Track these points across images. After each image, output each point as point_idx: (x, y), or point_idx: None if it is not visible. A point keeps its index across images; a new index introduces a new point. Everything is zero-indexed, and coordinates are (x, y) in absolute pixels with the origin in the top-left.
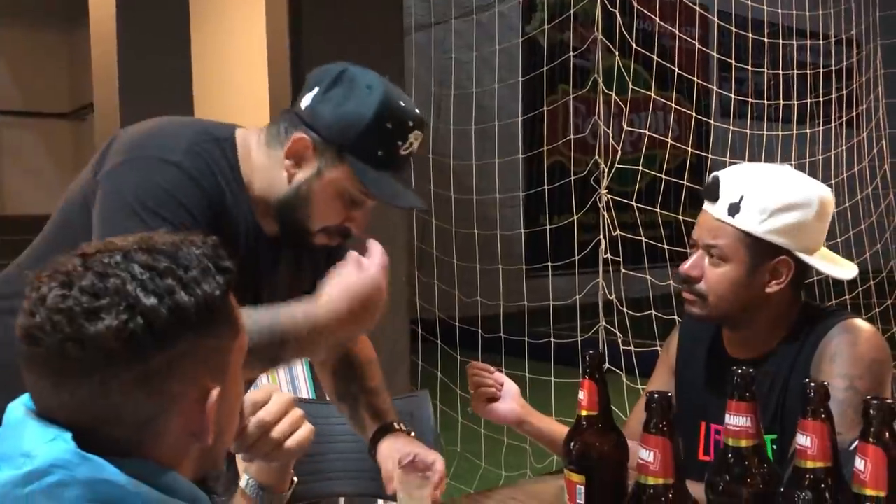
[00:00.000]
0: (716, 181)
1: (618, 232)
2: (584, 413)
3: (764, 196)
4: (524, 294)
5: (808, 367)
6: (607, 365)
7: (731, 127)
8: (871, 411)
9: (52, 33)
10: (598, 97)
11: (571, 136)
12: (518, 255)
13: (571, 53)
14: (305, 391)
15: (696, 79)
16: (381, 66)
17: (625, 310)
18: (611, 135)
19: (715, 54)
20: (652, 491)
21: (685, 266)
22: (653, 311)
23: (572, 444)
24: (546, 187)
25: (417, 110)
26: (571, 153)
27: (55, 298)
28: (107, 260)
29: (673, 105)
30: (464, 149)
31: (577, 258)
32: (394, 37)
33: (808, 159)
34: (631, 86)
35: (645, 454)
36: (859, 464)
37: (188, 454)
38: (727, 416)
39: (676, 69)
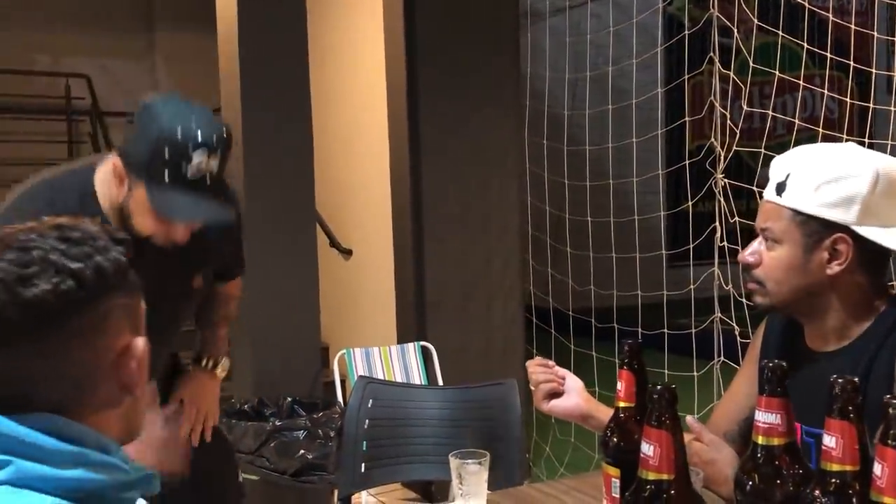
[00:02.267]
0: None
1: (735, 219)
2: (621, 405)
3: (810, 170)
4: (638, 284)
5: (893, 359)
6: (722, 358)
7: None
8: (891, 411)
9: (205, 36)
10: (714, 76)
11: (716, 118)
12: (649, 244)
13: (714, 30)
14: (418, 376)
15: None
16: (494, 56)
17: (743, 300)
18: (728, 116)
19: (876, 33)
20: (652, 487)
21: (744, 252)
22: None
23: (608, 436)
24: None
25: (205, 132)
26: (724, 135)
27: None
28: (23, 237)
29: (823, 89)
30: (602, 134)
31: (691, 247)
32: (508, 26)
33: None
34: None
35: (646, 448)
36: (877, 469)
37: (119, 409)
38: (757, 413)
39: (827, 47)
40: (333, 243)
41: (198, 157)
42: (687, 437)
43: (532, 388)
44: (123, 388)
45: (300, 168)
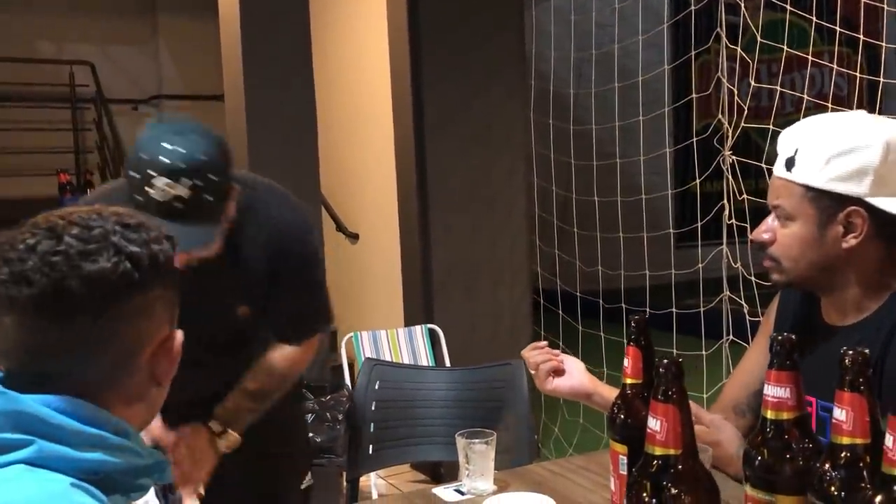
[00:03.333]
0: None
1: (744, 196)
2: (628, 381)
3: (819, 144)
4: (645, 264)
5: None
6: (731, 337)
7: None
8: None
9: (208, 21)
10: (721, 53)
11: (725, 96)
12: (655, 224)
13: (721, 6)
14: (425, 359)
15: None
16: (498, 36)
17: (752, 279)
18: (736, 93)
19: (885, 5)
20: (659, 462)
21: (757, 230)
22: None
23: (615, 413)
24: (668, 149)
25: (172, 156)
26: (731, 113)
27: (47, 245)
28: (84, 215)
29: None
30: (600, 113)
31: (699, 225)
32: (512, 5)
33: None
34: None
35: (652, 423)
36: (888, 441)
37: (146, 397)
38: (766, 387)
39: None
40: (340, 227)
41: (160, 182)
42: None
43: (532, 371)
44: (154, 378)
45: (304, 152)
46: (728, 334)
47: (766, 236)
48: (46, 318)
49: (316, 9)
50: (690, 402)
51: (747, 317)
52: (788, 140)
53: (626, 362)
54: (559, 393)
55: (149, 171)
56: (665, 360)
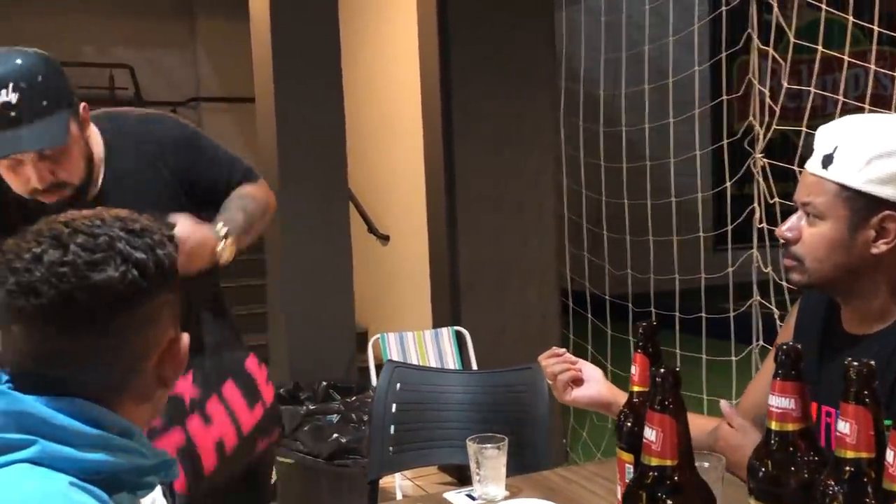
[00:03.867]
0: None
1: (776, 200)
2: (635, 389)
3: (860, 143)
4: (675, 268)
5: None
6: (761, 342)
7: None
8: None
9: (244, 23)
10: (753, 55)
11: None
12: (690, 228)
13: (753, 6)
14: (452, 361)
15: None
16: (529, 36)
17: (784, 284)
18: (767, 95)
19: None
20: (655, 473)
21: (782, 227)
22: None
23: (622, 421)
24: (698, 151)
25: None
26: (763, 114)
27: (54, 255)
28: (88, 223)
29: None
30: (637, 114)
31: (729, 229)
32: (543, 5)
33: None
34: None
35: (648, 433)
36: (889, 456)
37: (152, 398)
38: (770, 397)
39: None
40: (371, 229)
41: None
42: (714, 423)
43: (549, 381)
44: (160, 380)
45: (333, 154)
46: (758, 339)
47: (790, 234)
48: (54, 328)
49: (345, 11)
50: (725, 403)
51: (778, 322)
52: (828, 136)
53: (634, 370)
54: (578, 404)
55: None
56: (662, 370)
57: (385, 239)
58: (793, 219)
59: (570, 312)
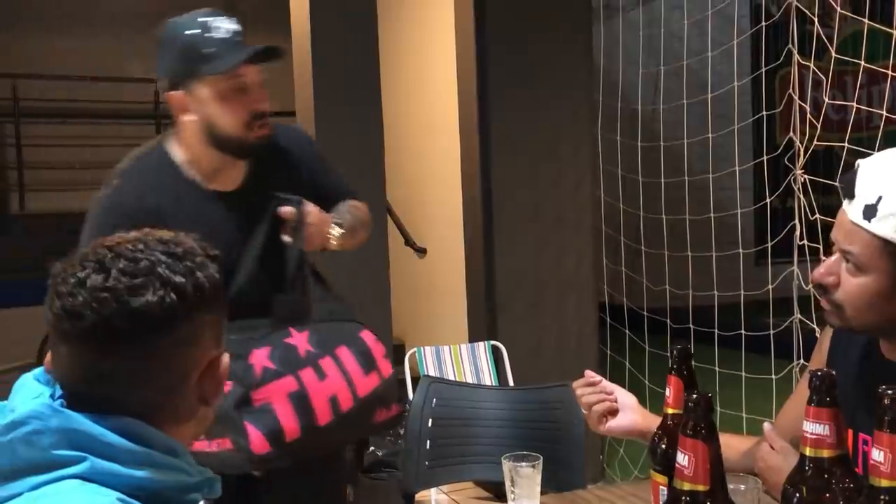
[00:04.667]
0: (853, 174)
1: (816, 216)
2: (670, 411)
3: None
4: (714, 283)
5: None
6: (801, 360)
7: None
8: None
9: (281, 38)
10: (794, 69)
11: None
12: (731, 242)
13: (793, 20)
14: (488, 376)
15: None
16: (566, 50)
17: None
18: (808, 110)
19: None
20: (687, 498)
21: (819, 271)
22: None
23: (656, 443)
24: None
25: (210, 10)
26: (804, 127)
27: (96, 280)
28: (131, 247)
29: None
30: (680, 128)
31: (769, 245)
32: (580, 19)
33: None
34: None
35: (681, 458)
36: (877, 455)
37: (195, 416)
38: (805, 423)
39: None
40: (408, 242)
41: (217, 23)
42: (752, 443)
43: (584, 411)
44: (202, 399)
45: (371, 167)
46: (798, 358)
47: (829, 279)
48: (97, 350)
49: (384, 25)
50: (769, 425)
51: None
52: (870, 183)
53: (668, 392)
54: (613, 433)
55: (203, 22)
56: (695, 395)
57: (422, 252)
58: (830, 261)
59: (608, 327)
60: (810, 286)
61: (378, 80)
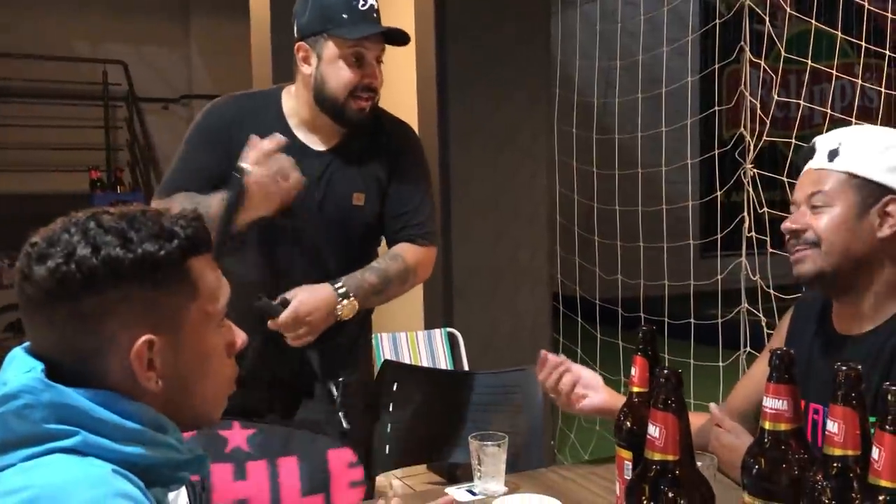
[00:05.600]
0: (812, 143)
1: (764, 209)
2: (635, 390)
3: (866, 137)
4: (665, 274)
5: None
6: (748, 349)
7: None
8: (891, 398)
9: (239, 23)
10: (745, 67)
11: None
12: (680, 234)
13: (746, 19)
14: (444, 362)
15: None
16: (525, 43)
17: (771, 292)
18: (758, 106)
19: None
20: (658, 467)
21: (788, 221)
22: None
23: (622, 420)
24: (689, 161)
25: None
26: (754, 124)
27: (30, 249)
28: (74, 219)
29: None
30: (632, 122)
31: (719, 237)
32: (540, 12)
33: None
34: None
35: (652, 430)
36: (875, 454)
37: (143, 397)
38: (765, 399)
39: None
40: None
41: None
42: (702, 419)
43: (552, 395)
44: (139, 379)
45: None
46: (745, 346)
47: (798, 225)
48: (24, 316)
49: None
50: (714, 406)
51: (765, 329)
52: (829, 138)
53: (634, 371)
54: (585, 413)
55: None
56: (665, 371)
57: None
58: (795, 214)
59: (561, 316)
60: (757, 277)
61: None
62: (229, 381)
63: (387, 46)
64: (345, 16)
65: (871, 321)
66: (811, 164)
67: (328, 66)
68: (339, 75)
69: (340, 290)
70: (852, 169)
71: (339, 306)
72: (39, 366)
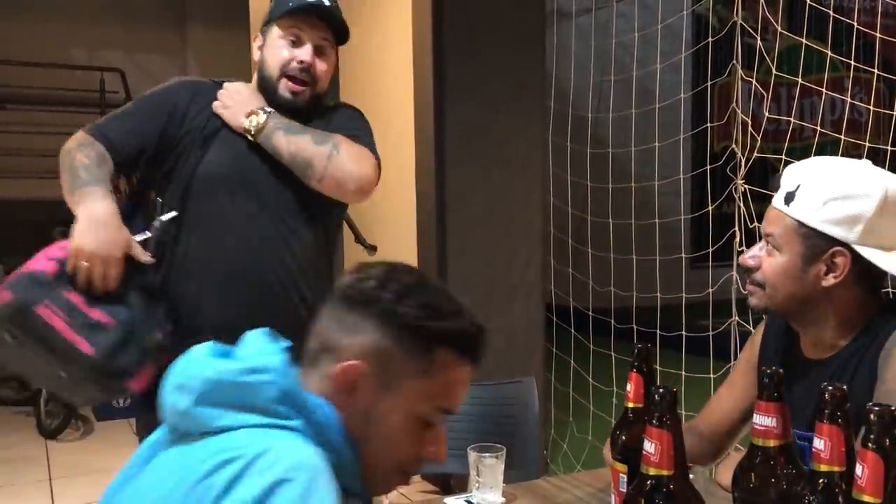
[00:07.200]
0: (779, 175)
1: (755, 224)
2: (630, 405)
3: (819, 185)
4: (657, 286)
5: (875, 364)
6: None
7: None
8: (872, 417)
9: (236, 32)
10: (736, 83)
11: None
12: (672, 247)
13: (738, 35)
14: None
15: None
16: (520, 56)
17: None
18: (749, 122)
19: None
20: (653, 481)
21: (744, 256)
22: None
23: (617, 434)
24: (685, 175)
25: None
26: (745, 139)
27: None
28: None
29: (847, 97)
30: (626, 136)
31: (710, 250)
32: (535, 26)
33: None
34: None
35: (648, 445)
36: (858, 470)
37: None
38: (755, 416)
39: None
40: (358, 239)
41: None
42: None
43: None
44: (334, 391)
45: None
46: (735, 357)
47: (751, 262)
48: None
49: None
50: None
51: None
52: (792, 175)
53: (629, 387)
54: None
55: None
56: (661, 389)
57: (372, 249)
58: (755, 248)
59: (555, 326)
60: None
61: (336, 81)
62: (396, 475)
63: (384, 60)
64: (291, 3)
65: (832, 349)
66: (774, 201)
67: (268, 48)
68: (275, 54)
69: (268, 108)
70: (802, 218)
71: (252, 119)
72: (282, 349)
